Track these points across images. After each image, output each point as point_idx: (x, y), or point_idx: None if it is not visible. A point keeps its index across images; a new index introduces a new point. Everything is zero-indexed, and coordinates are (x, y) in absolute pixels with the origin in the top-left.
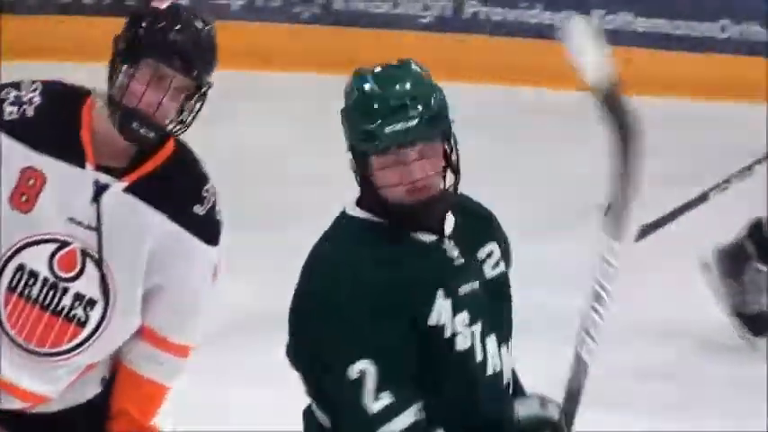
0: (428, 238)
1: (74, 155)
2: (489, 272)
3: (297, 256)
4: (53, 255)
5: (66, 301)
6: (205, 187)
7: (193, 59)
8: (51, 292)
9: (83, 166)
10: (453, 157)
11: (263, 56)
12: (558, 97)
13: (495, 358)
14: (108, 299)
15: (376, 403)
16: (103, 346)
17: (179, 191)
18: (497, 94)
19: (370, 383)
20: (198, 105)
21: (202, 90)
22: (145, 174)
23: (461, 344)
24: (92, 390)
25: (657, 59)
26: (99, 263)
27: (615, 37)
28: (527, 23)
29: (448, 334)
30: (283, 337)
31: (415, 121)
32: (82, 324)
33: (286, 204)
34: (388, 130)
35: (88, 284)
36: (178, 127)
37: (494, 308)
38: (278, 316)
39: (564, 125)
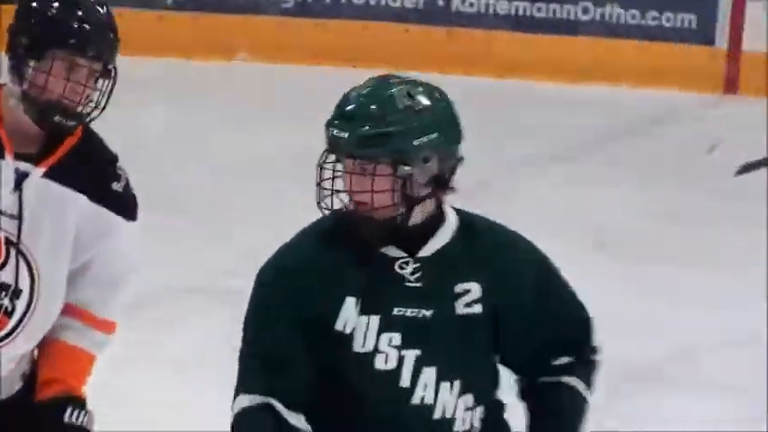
0: (395, 253)
1: None
2: (460, 309)
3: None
4: None
5: None
6: (117, 164)
7: (102, 45)
8: None
9: (2, 157)
10: (406, 184)
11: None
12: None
13: (427, 390)
14: (33, 286)
15: (248, 376)
16: (32, 333)
17: (95, 171)
18: None
19: (252, 361)
20: (109, 87)
21: (111, 72)
22: (60, 157)
23: (380, 363)
24: (14, 385)
25: (519, 42)
26: (20, 251)
27: (477, 19)
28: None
29: (362, 347)
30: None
31: (346, 134)
32: (8, 314)
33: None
34: (328, 132)
35: (12, 274)
36: (96, 112)
37: (449, 343)
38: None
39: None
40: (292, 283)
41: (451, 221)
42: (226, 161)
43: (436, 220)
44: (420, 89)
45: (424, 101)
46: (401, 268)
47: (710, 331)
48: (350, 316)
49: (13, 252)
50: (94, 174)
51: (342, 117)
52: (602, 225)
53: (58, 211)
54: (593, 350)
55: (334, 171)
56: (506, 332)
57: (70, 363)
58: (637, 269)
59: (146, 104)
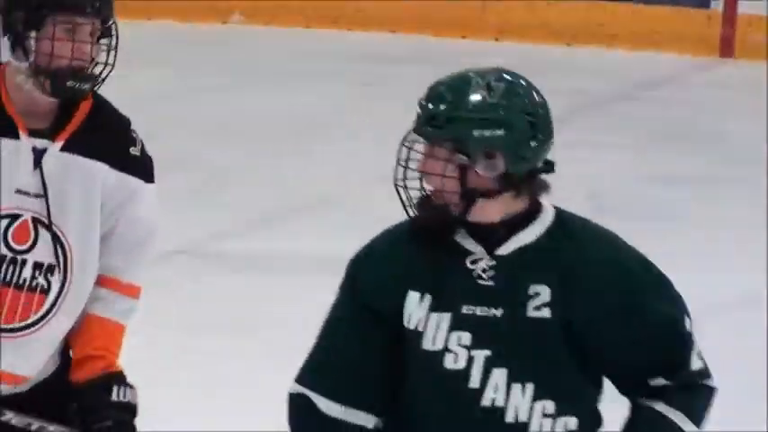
0: (472, 247)
1: (5, 128)
2: (531, 311)
3: None
4: (6, 230)
5: (27, 272)
6: (131, 128)
7: (98, 1)
8: (11, 268)
9: (17, 137)
10: (465, 174)
11: None
12: None
13: (498, 392)
14: (66, 261)
15: (304, 363)
16: (71, 309)
17: (112, 138)
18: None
19: (313, 350)
20: (114, 42)
21: (112, 29)
22: (76, 129)
23: (450, 362)
24: (49, 367)
25: (515, 5)
26: (50, 228)
27: None
28: None
29: (432, 345)
30: None
31: (423, 116)
32: (45, 291)
33: None
34: (417, 111)
35: (44, 252)
36: (107, 70)
37: (520, 345)
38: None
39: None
40: (363, 276)
41: (545, 221)
42: (220, 123)
43: (526, 218)
44: (506, 86)
45: (502, 97)
46: (472, 263)
47: (708, 294)
48: (417, 311)
49: (42, 231)
50: (112, 141)
51: (425, 96)
52: (598, 189)
53: (82, 183)
54: (700, 374)
55: (409, 150)
56: (588, 344)
57: (104, 337)
58: (633, 233)
59: (140, 68)
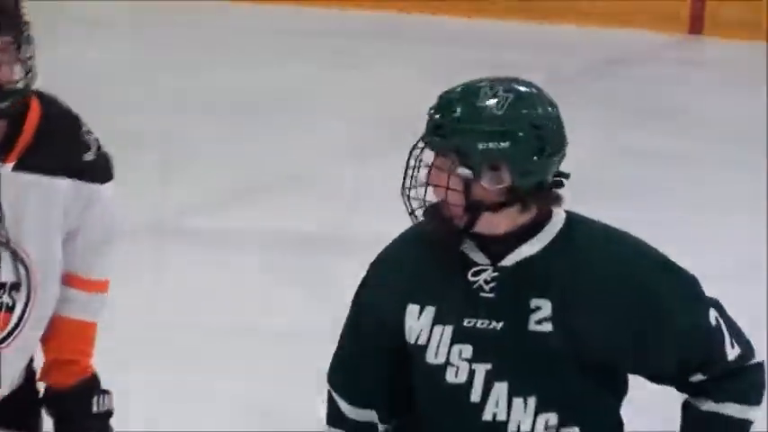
0: (477, 258)
1: None
2: (533, 325)
3: None
4: None
5: None
6: (83, 130)
7: (9, 10)
8: None
9: None
10: (469, 186)
11: None
12: None
13: (499, 406)
14: (29, 279)
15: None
16: (36, 321)
17: (64, 148)
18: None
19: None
20: (31, 49)
21: (25, 34)
22: (26, 145)
23: (451, 376)
24: (17, 378)
25: None
26: (9, 247)
27: None
28: None
29: (435, 358)
30: None
31: (430, 125)
32: (10, 309)
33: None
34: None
35: (7, 271)
36: (30, 79)
37: (521, 358)
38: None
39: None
40: (367, 290)
41: (552, 231)
42: (185, 98)
43: (533, 228)
44: (514, 97)
45: (509, 109)
46: (474, 276)
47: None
48: (417, 325)
49: (2, 249)
50: (65, 151)
51: (435, 105)
52: (571, 166)
53: (38, 200)
54: (740, 358)
55: (417, 160)
56: (603, 356)
57: (77, 339)
58: (609, 211)
59: (110, 42)
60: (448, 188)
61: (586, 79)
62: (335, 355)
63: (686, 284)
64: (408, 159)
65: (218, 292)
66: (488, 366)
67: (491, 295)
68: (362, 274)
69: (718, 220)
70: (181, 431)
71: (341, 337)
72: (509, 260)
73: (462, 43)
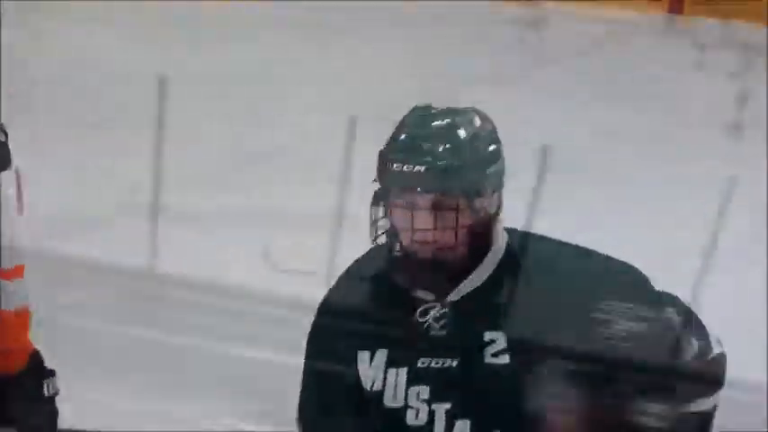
0: (423, 295)
1: None
2: (489, 358)
3: None
4: None
5: None
6: None
7: None
8: None
9: None
10: (471, 220)
11: None
12: None
13: None
14: None
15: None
16: None
17: None
18: None
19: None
20: None
21: None
22: None
23: (411, 418)
24: None
25: None
26: None
27: None
28: None
29: (393, 401)
30: None
31: (422, 168)
32: None
33: None
34: (394, 166)
35: None
36: None
37: (480, 394)
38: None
39: None
40: (323, 337)
41: (495, 258)
42: (171, 74)
43: (478, 254)
44: (469, 116)
45: (481, 127)
46: (423, 314)
47: (659, 249)
48: (370, 372)
49: None
50: None
51: (413, 148)
52: (547, 144)
53: None
54: (699, 356)
55: (385, 207)
56: (565, 377)
57: (13, 328)
58: (586, 189)
59: (85, 23)
60: (457, 226)
61: (562, 58)
62: (301, 394)
63: (643, 292)
64: (376, 211)
65: (204, 268)
66: (447, 406)
67: (442, 333)
68: (357, 254)
69: (688, 199)
70: (181, 431)
71: (303, 377)
72: (455, 294)
73: (445, 22)
